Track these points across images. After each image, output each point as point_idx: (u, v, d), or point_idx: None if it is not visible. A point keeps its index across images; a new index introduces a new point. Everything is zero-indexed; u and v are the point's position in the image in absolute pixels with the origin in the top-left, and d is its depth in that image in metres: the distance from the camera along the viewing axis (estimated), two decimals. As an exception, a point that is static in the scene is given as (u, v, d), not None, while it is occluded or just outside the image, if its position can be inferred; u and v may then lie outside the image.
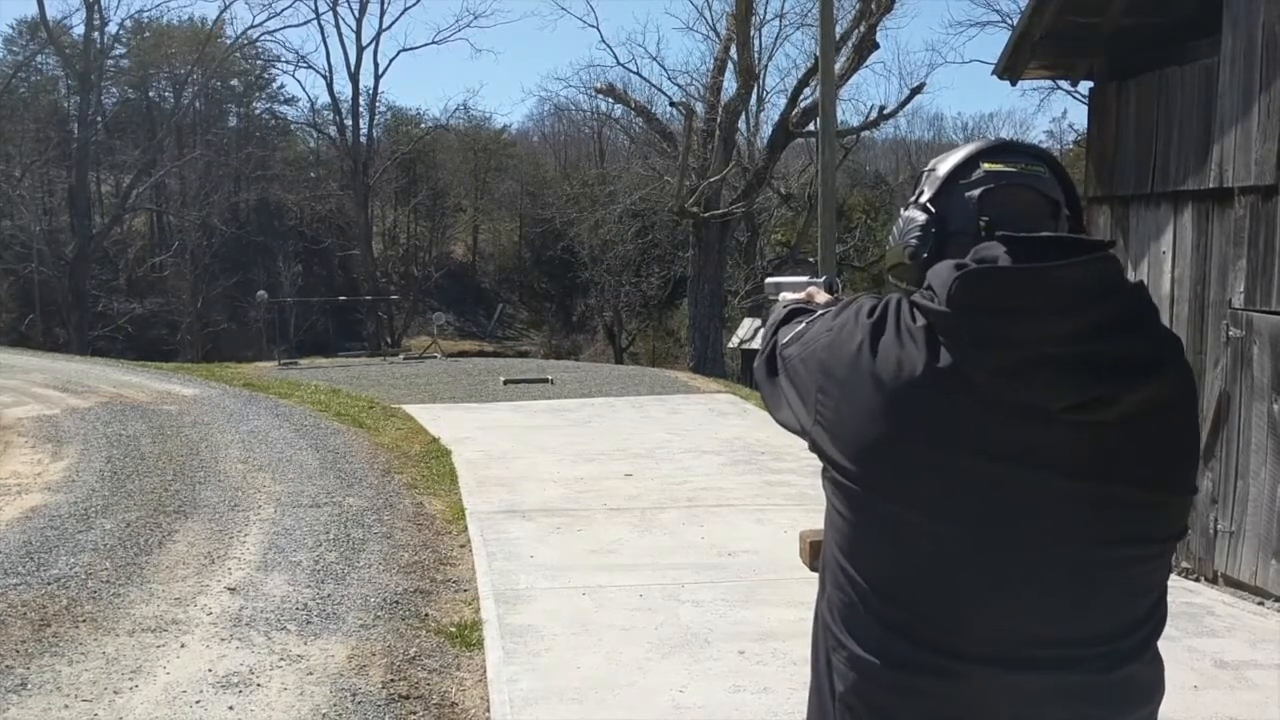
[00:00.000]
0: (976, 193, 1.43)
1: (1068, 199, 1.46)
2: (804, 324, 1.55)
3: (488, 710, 4.34)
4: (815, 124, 24.20)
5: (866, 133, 30.34)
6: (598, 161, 42.61)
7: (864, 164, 44.19)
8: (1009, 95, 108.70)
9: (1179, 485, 1.38)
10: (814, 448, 1.45)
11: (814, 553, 6.18)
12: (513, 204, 48.32)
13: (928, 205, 1.46)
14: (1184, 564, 7.38)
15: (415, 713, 4.31)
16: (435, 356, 21.46)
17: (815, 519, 7.34)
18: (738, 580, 6.04)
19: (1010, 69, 9.38)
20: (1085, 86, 9.79)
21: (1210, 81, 7.52)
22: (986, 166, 1.44)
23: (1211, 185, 7.49)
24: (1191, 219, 7.79)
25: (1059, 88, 35.70)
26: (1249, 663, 4.80)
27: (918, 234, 1.45)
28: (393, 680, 4.58)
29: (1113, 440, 1.30)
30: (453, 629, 5.28)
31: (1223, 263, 7.45)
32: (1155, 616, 1.41)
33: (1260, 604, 6.12)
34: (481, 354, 31.38)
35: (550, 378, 15.92)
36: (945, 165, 1.48)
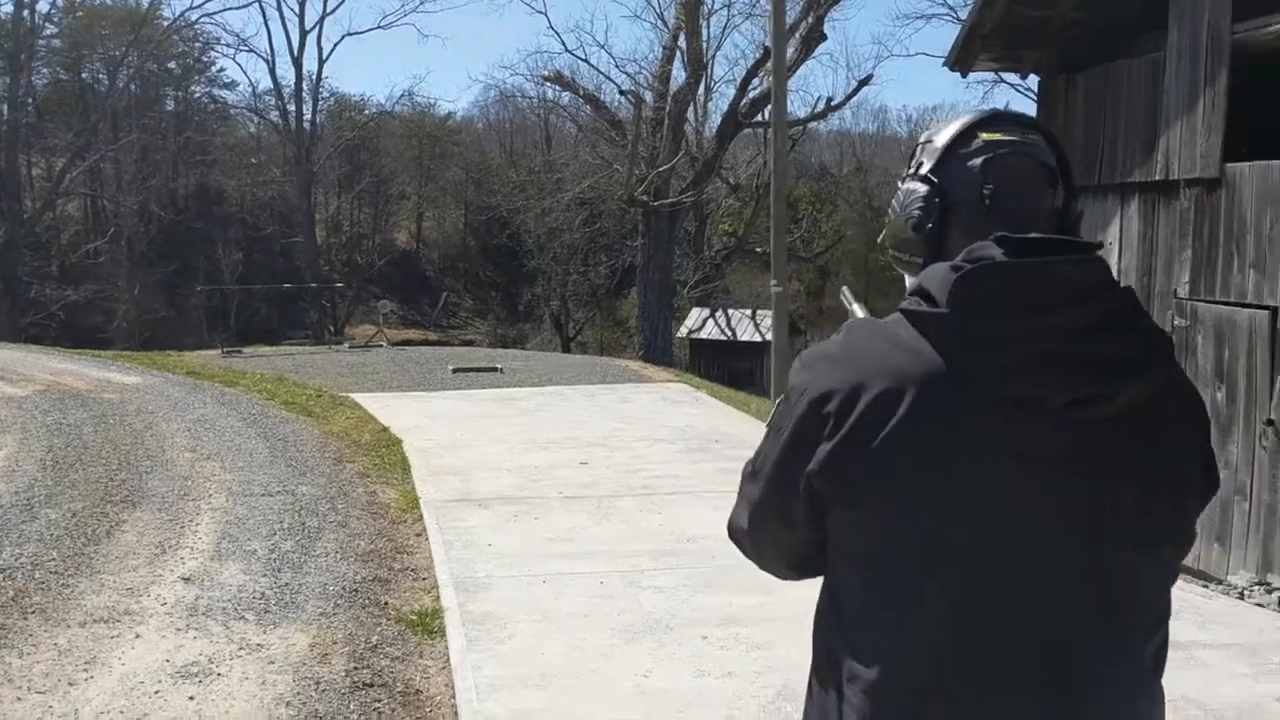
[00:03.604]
0: (978, 162, 1.43)
1: (1062, 168, 1.48)
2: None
3: (453, 697, 4.33)
4: (764, 114, 24.33)
5: (813, 124, 30.52)
6: (544, 149, 42.44)
7: (809, 155, 44.49)
8: (954, 88, 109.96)
9: (1177, 486, 1.39)
10: (822, 495, 1.38)
11: (772, 539, 6.22)
12: (458, 191, 47.95)
13: (929, 176, 1.46)
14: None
15: (380, 700, 4.28)
16: (381, 345, 21.28)
17: (771, 506, 7.40)
18: (698, 567, 6.06)
19: (961, 61, 9.48)
20: (1033, 80, 9.95)
21: (1156, 75, 7.67)
22: (985, 136, 1.44)
23: (1157, 177, 7.65)
24: (1138, 210, 7.95)
25: (1003, 81, 36.16)
26: (1198, 643, 4.92)
27: (920, 205, 1.45)
28: (356, 668, 4.55)
29: (1108, 438, 1.31)
30: (414, 617, 5.25)
31: (1168, 253, 7.61)
32: (1159, 636, 1.41)
33: (1205, 587, 6.28)
34: (426, 343, 31.09)
35: (499, 366, 15.85)
36: (943, 136, 1.48)
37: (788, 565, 1.55)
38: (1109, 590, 1.34)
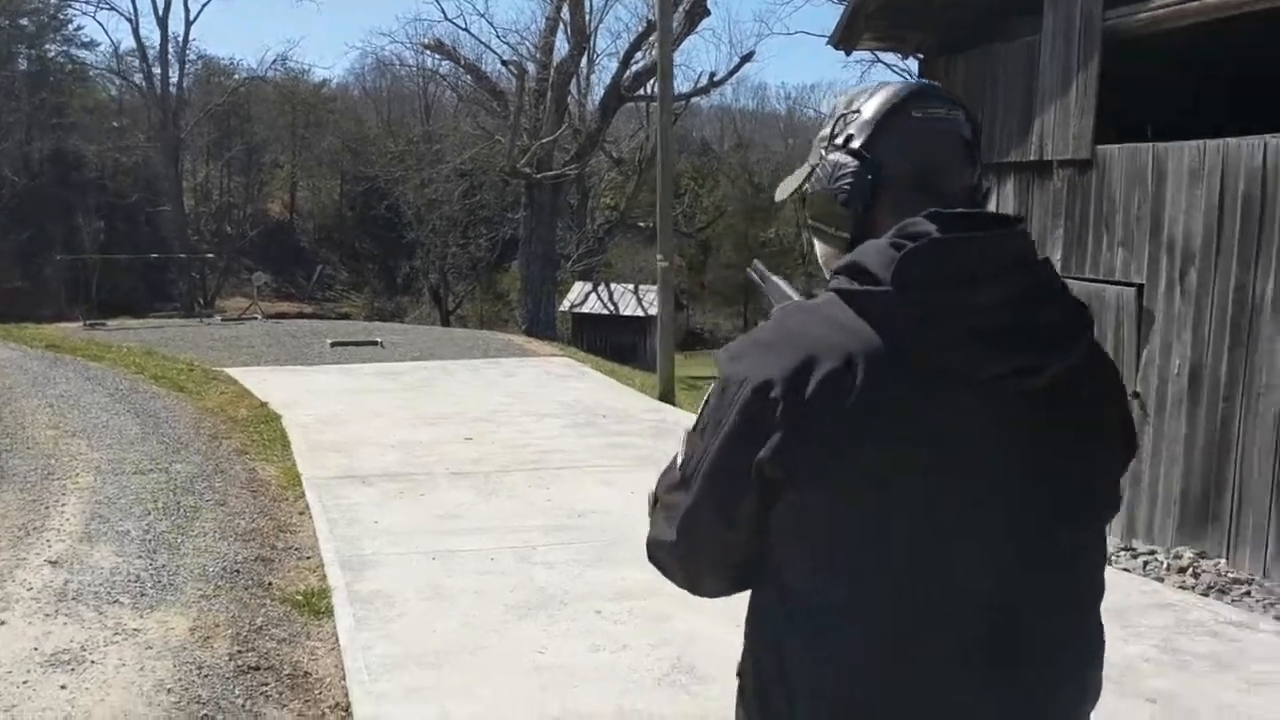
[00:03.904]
0: (908, 138, 1.42)
1: (976, 143, 1.49)
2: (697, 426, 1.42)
3: (343, 678, 4.22)
4: (648, 88, 24.31)
5: (694, 100, 30.64)
6: (423, 119, 41.63)
7: (691, 130, 44.67)
8: (831, 66, 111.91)
9: (1106, 451, 1.43)
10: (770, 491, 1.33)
11: (663, 512, 6.23)
12: (334, 161, 46.66)
13: (861, 151, 1.43)
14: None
15: (267, 684, 4.15)
16: (255, 318, 20.65)
17: (660, 479, 7.42)
18: (589, 541, 6.05)
19: (845, 40, 9.62)
20: (911, 62, 10.15)
21: (1032, 58, 7.90)
22: (916, 112, 1.43)
23: (1033, 158, 7.90)
24: (1014, 189, 8.19)
25: (880, 61, 36.88)
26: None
27: (850, 179, 1.42)
28: (240, 651, 4.39)
29: (1040, 410, 1.33)
30: (299, 597, 5.11)
31: (1042, 232, 7.87)
32: (1100, 604, 1.45)
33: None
34: (302, 315, 30.26)
35: (379, 340, 15.53)
36: (872, 108, 1.45)
37: (723, 575, 1.47)
38: (1055, 561, 1.36)
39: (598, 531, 6.23)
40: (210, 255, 37.46)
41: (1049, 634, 1.36)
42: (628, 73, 23.56)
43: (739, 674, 1.48)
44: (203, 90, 42.77)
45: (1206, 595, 5.73)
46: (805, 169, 1.55)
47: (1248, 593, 5.83)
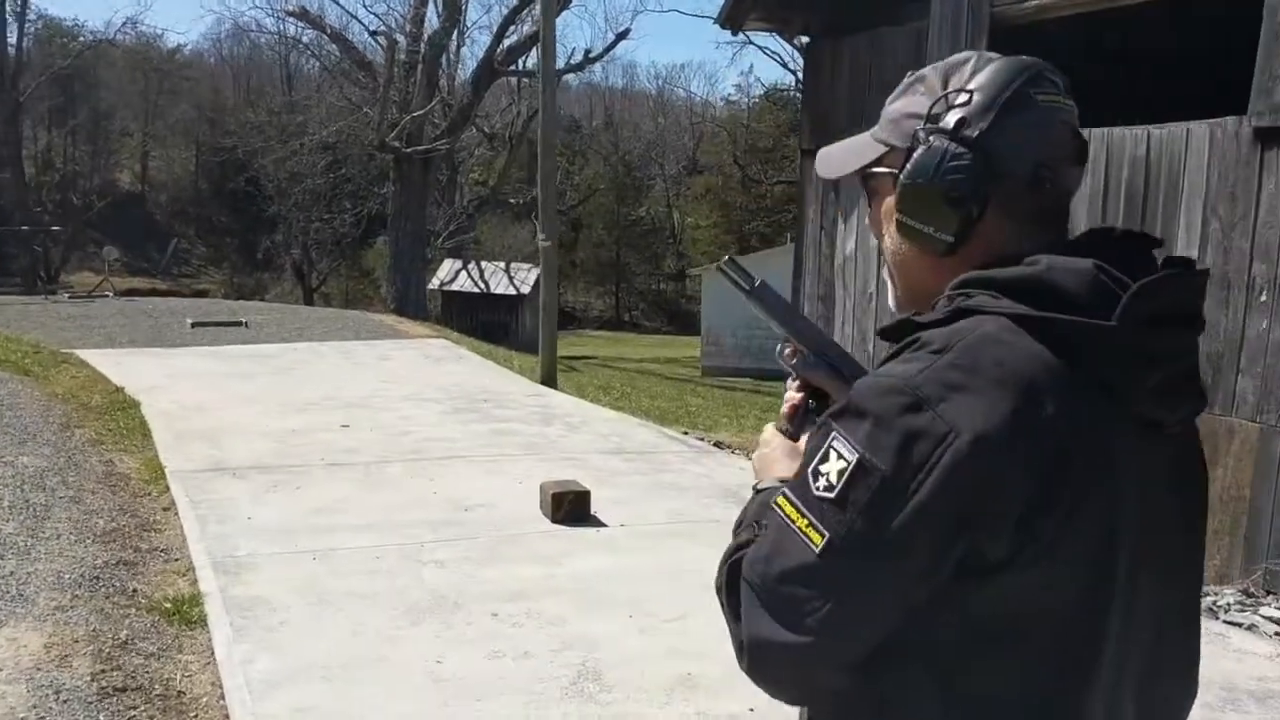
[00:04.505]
0: (1031, 130, 1.20)
1: (1083, 139, 1.30)
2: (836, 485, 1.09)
3: (222, 698, 3.88)
4: (521, 63, 23.87)
5: (565, 76, 30.25)
6: (285, 89, 40.15)
7: (560, 107, 44.24)
8: (702, 46, 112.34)
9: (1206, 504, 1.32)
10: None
11: (556, 505, 6.03)
12: (188, 131, 44.79)
13: (979, 140, 1.18)
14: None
15: (135, 707, 3.78)
16: (107, 295, 19.57)
17: (548, 468, 7.20)
18: (478, 537, 5.79)
19: (731, 19, 9.50)
20: (779, 43, 10.10)
21: (920, 44, 7.89)
22: (1041, 98, 1.21)
23: (921, 143, 7.91)
24: (901, 175, 8.20)
25: (751, 42, 37.18)
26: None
27: (962, 175, 1.18)
28: (104, 670, 4.00)
29: (1189, 459, 1.23)
30: (168, 605, 4.71)
31: (929, 218, 7.90)
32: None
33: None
34: (156, 292, 28.88)
35: (244, 321, 14.85)
36: (989, 88, 1.20)
37: (850, 675, 1.13)
38: (1195, 618, 1.26)
39: (488, 526, 5.98)
40: (56, 228, 35.37)
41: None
42: (501, 47, 23.07)
43: None
44: (43, 52, 40.38)
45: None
46: (872, 146, 1.30)
47: None
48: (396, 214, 24.18)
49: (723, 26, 9.66)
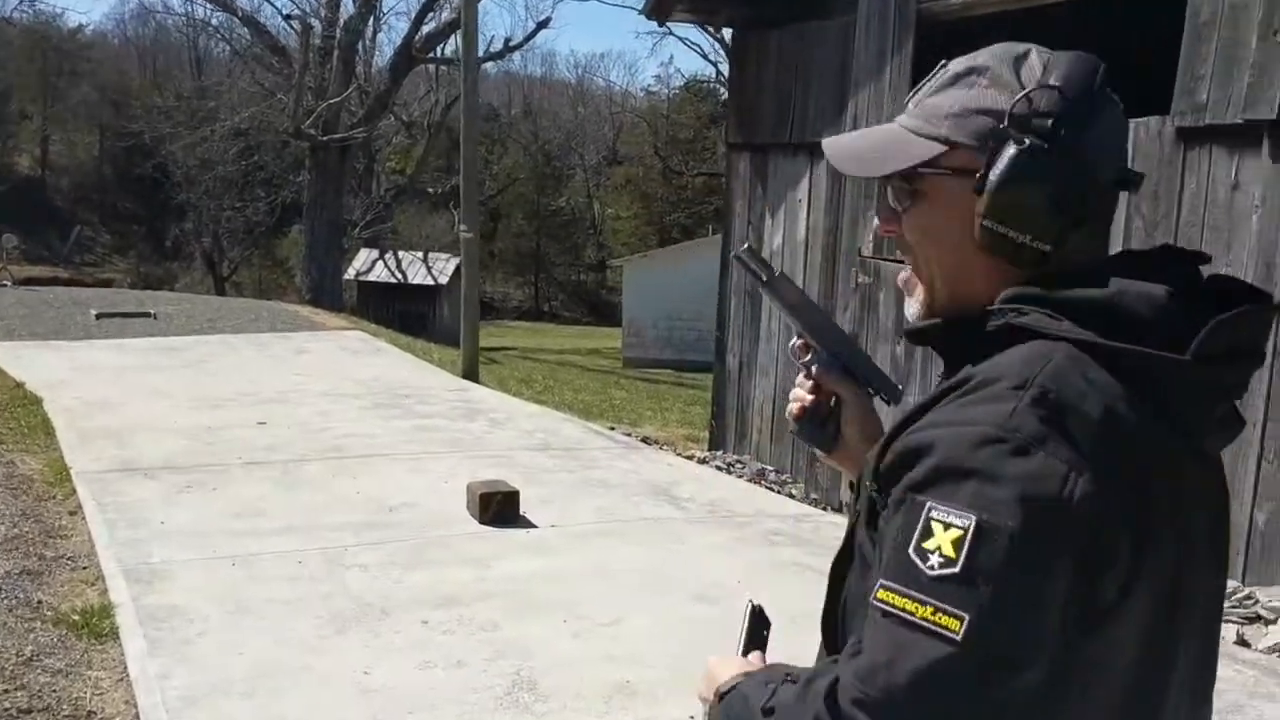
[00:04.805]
0: (1112, 131, 1.11)
1: None
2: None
3: (137, 716, 3.69)
4: (439, 51, 23.51)
5: (483, 65, 29.90)
6: (194, 73, 39.05)
7: (479, 96, 43.82)
8: (622, 36, 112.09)
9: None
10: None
11: (484, 506, 5.90)
12: (91, 114, 43.28)
13: (1081, 142, 1.07)
14: (813, 495, 7.88)
15: (43, 729, 3.58)
16: (5, 284, 18.79)
17: (474, 466, 7.05)
18: (404, 539, 5.63)
19: (658, 10, 9.41)
20: (699, 34, 10.06)
21: (848, 38, 7.89)
22: (1113, 95, 1.11)
23: (848, 139, 7.92)
24: (827, 170, 8.19)
25: (671, 33, 37.16)
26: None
27: (1066, 179, 1.07)
28: (7, 690, 3.78)
29: (1223, 486, 1.18)
30: (76, 618, 4.48)
31: (854, 213, 7.91)
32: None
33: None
34: (58, 281, 27.82)
35: (153, 312, 14.35)
36: (1072, 84, 1.08)
37: None
38: (1209, 665, 1.18)
39: (413, 528, 5.82)
40: (-52, 214, 33.94)
41: None
42: (420, 33, 22.68)
43: None
44: (-66, 30, 38.67)
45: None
46: (919, 142, 1.15)
47: None
48: (312, 202, 23.65)
49: (649, 17, 9.58)
